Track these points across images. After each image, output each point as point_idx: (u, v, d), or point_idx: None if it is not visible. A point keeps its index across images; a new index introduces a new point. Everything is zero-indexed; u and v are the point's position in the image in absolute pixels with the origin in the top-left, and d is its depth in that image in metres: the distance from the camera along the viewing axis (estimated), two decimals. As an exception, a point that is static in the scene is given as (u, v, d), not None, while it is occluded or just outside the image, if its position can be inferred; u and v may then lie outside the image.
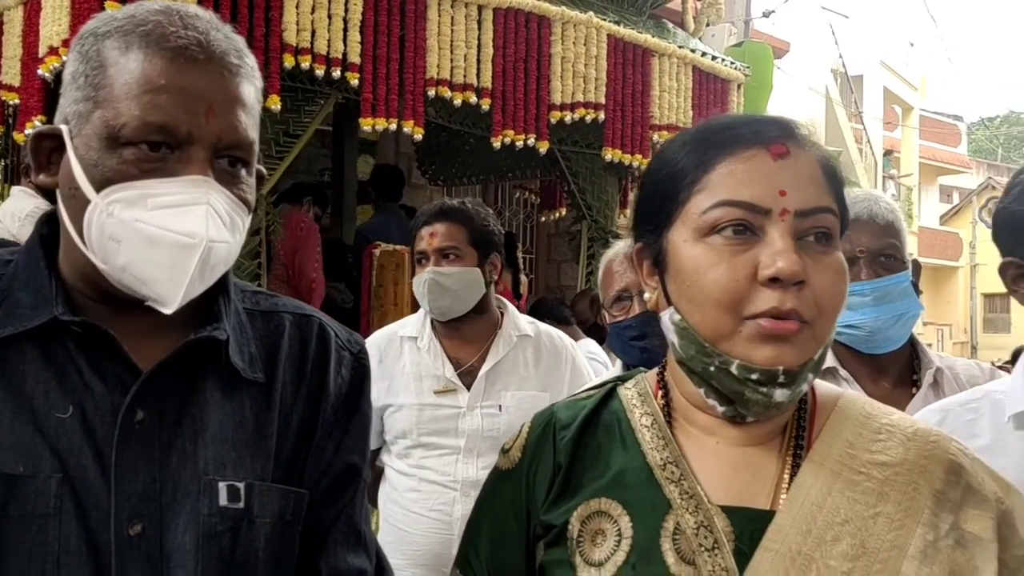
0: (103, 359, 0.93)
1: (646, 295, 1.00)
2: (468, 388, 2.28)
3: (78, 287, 0.96)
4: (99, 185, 0.89)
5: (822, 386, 0.98)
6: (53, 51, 3.18)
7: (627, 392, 1.01)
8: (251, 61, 0.97)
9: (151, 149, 0.89)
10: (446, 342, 2.33)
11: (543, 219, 6.91)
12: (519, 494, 0.99)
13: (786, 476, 0.90)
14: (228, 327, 0.99)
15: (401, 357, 2.31)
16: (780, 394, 0.85)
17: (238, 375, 0.99)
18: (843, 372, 1.66)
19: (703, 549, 0.86)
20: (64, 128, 0.93)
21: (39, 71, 3.27)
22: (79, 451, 0.89)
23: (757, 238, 0.85)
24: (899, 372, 1.69)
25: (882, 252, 1.61)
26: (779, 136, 0.89)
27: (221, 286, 1.01)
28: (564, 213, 6.22)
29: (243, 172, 0.96)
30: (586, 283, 5.14)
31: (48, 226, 0.99)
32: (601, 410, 1.01)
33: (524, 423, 1.05)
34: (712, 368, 0.87)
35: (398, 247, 4.60)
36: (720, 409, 0.89)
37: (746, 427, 0.92)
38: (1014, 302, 1.28)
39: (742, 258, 0.85)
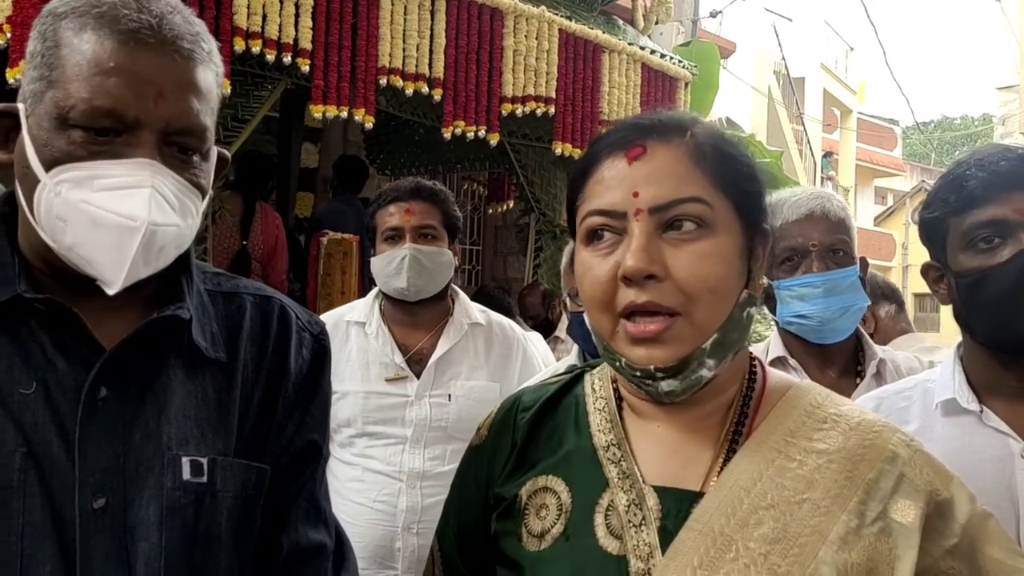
0: (66, 337, 0.94)
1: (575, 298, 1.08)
2: (417, 376, 2.21)
3: (38, 265, 0.96)
4: (48, 165, 0.90)
5: (776, 375, 1.03)
6: (-5, 27, 3.09)
7: (591, 378, 1.08)
8: (208, 46, 0.97)
9: (98, 133, 0.90)
10: (395, 328, 2.26)
11: (491, 211, 6.94)
12: (482, 468, 1.06)
13: (720, 460, 0.94)
14: (191, 306, 1.01)
15: (348, 343, 2.25)
16: (666, 385, 0.91)
17: (200, 354, 1.00)
18: (792, 361, 1.75)
19: (631, 525, 0.92)
20: (21, 107, 0.93)
21: (-21, 47, 3.17)
22: (43, 426, 0.90)
23: (622, 239, 0.91)
24: (844, 362, 1.77)
25: (833, 247, 1.69)
26: (636, 138, 0.93)
27: (184, 267, 1.02)
28: (511, 206, 6.27)
29: (195, 157, 0.96)
30: (533, 275, 5.19)
31: (8, 205, 0.99)
32: (564, 394, 1.07)
33: (497, 403, 1.12)
34: (615, 363, 0.94)
35: (346, 236, 4.58)
36: (642, 392, 0.95)
37: (681, 411, 0.96)
38: (944, 303, 1.37)
39: (608, 260, 0.91)
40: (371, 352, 2.24)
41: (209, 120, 0.96)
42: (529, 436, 1.03)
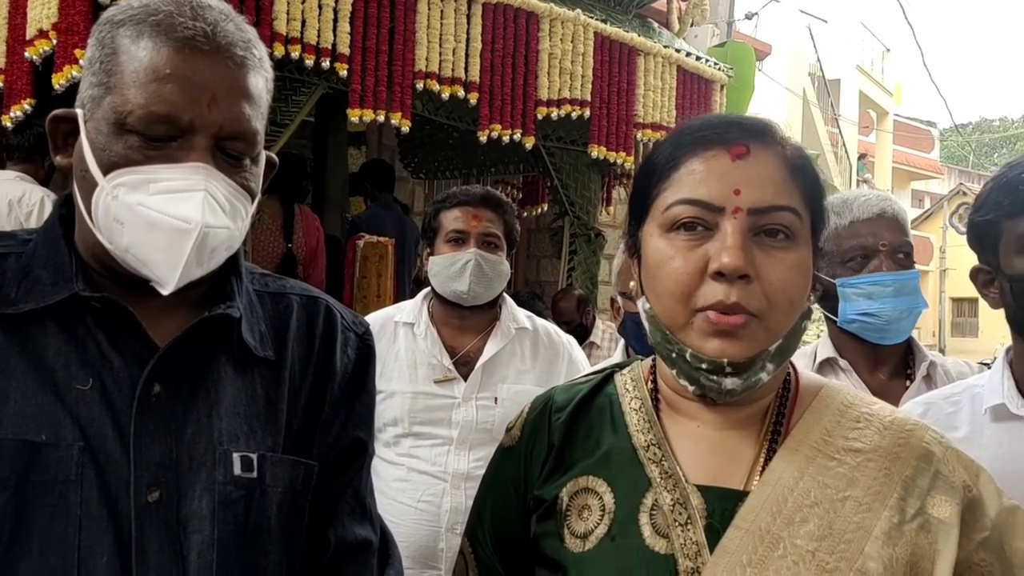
0: (121, 334, 0.96)
1: (631, 283, 1.06)
2: (464, 379, 2.22)
3: (94, 266, 0.99)
4: (106, 168, 0.92)
5: (807, 375, 1.04)
6: (42, 34, 3.16)
7: (622, 378, 1.08)
8: (259, 52, 1.00)
9: (154, 138, 0.92)
10: (443, 330, 2.28)
11: (524, 214, 6.94)
12: (518, 470, 1.06)
13: (762, 459, 0.95)
14: (240, 306, 1.03)
15: (396, 343, 2.26)
16: (730, 382, 0.91)
17: (250, 352, 1.02)
18: (842, 362, 1.74)
19: (677, 524, 0.92)
20: (79, 112, 0.96)
21: (26, 54, 3.25)
22: (99, 421, 0.92)
23: (712, 234, 0.91)
24: (895, 365, 1.76)
25: (901, 248, 1.70)
26: (740, 137, 0.93)
27: (233, 267, 1.04)
28: (546, 209, 6.27)
29: (246, 161, 0.98)
30: (568, 279, 5.19)
31: (66, 207, 1.02)
32: (596, 394, 1.07)
33: (526, 404, 1.11)
34: (673, 354, 0.93)
35: (382, 239, 4.62)
36: (691, 389, 0.95)
37: (724, 411, 0.97)
38: (982, 307, 1.36)
39: (696, 253, 0.91)
40: (419, 353, 2.25)
41: (259, 125, 0.99)
42: (566, 436, 1.04)
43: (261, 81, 0.99)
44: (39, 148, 3.76)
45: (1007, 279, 1.26)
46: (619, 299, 2.24)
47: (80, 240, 1.00)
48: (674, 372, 0.95)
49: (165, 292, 0.94)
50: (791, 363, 1.03)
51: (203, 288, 1.01)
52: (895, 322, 1.68)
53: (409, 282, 5.11)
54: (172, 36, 0.93)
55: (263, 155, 1.02)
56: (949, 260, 23.90)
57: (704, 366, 0.91)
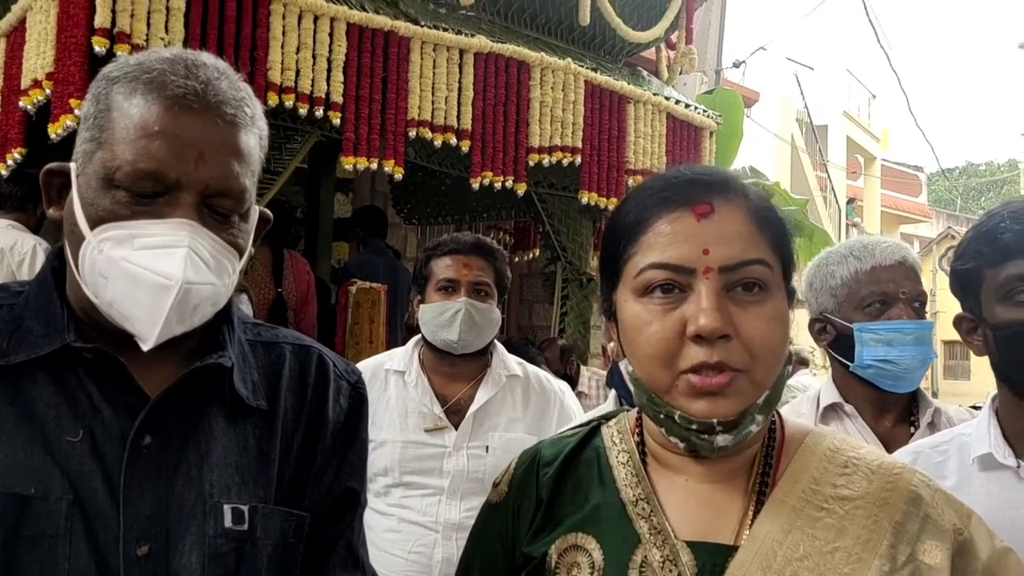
0: (112, 385, 0.96)
1: (611, 345, 1.05)
2: (455, 427, 2.20)
3: (84, 318, 0.99)
4: (94, 223, 0.93)
5: (792, 422, 1.04)
6: (37, 84, 3.18)
7: (609, 430, 1.07)
8: (252, 110, 1.00)
9: (141, 194, 0.93)
10: (434, 378, 2.26)
11: (516, 259, 6.97)
12: (506, 526, 1.05)
13: (750, 512, 0.94)
14: (232, 355, 1.03)
15: (386, 391, 2.24)
16: (722, 439, 0.90)
17: (242, 402, 1.02)
18: (847, 407, 1.74)
19: None
20: (72, 166, 0.97)
21: (20, 103, 3.27)
22: (89, 474, 0.92)
23: (686, 295, 0.91)
24: (900, 411, 1.76)
25: (918, 297, 1.71)
26: (703, 195, 0.94)
27: (225, 317, 1.04)
28: (538, 254, 6.29)
29: (234, 218, 0.98)
30: (560, 324, 5.19)
31: (58, 259, 1.02)
32: (584, 447, 1.07)
33: (512, 459, 1.11)
34: (662, 415, 0.93)
35: (374, 285, 4.62)
36: (681, 446, 0.94)
37: (711, 464, 0.96)
38: (973, 349, 1.37)
39: (672, 316, 0.91)
40: (410, 401, 2.23)
41: (249, 182, 0.99)
42: (554, 491, 1.03)
43: (252, 139, 1.00)
44: (31, 197, 3.79)
45: (990, 327, 1.27)
46: (609, 346, 2.24)
47: (71, 291, 1.00)
48: (663, 431, 0.95)
49: (145, 348, 0.94)
50: (776, 411, 1.03)
51: (195, 339, 1.01)
52: (912, 371, 1.69)
53: (401, 328, 5.11)
54: (163, 94, 0.94)
55: (254, 211, 1.03)
56: (940, 303, 23.98)
57: (694, 427, 0.91)
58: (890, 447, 1.57)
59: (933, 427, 1.71)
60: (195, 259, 0.93)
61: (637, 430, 1.04)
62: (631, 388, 0.98)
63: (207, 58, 0.99)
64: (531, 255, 6.49)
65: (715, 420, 0.89)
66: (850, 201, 22.13)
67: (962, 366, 26.80)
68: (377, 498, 2.21)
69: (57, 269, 1.02)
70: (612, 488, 1.00)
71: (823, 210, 17.57)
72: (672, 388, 0.91)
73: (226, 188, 0.96)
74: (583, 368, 4.86)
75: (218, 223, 0.96)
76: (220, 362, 1.00)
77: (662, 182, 0.98)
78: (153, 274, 0.91)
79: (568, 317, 5.17)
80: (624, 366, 0.98)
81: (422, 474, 2.18)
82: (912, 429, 1.73)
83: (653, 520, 0.95)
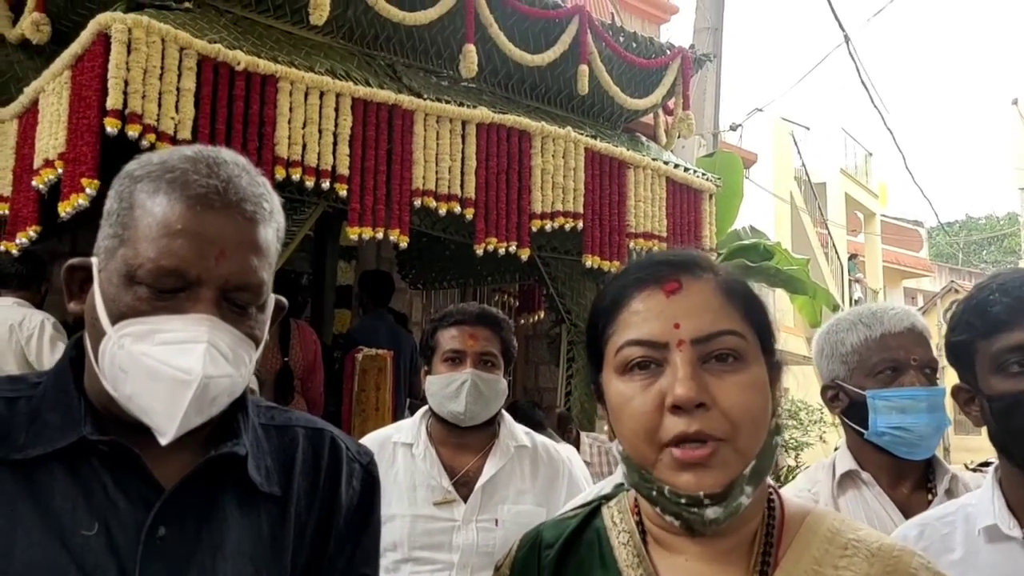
0: (128, 476, 0.97)
1: (605, 426, 1.07)
2: (464, 500, 2.19)
3: (102, 408, 1.00)
4: (115, 318, 0.95)
5: (792, 502, 1.04)
6: (48, 163, 3.25)
7: (609, 511, 1.07)
8: (271, 204, 1.03)
9: (162, 290, 0.95)
10: (442, 449, 2.25)
11: (522, 321, 6.99)
12: None
13: None
14: (247, 442, 1.03)
15: (394, 464, 2.23)
16: (712, 512, 0.91)
17: (255, 489, 1.03)
18: (864, 475, 1.72)
19: None
20: (94, 261, 0.99)
21: (33, 182, 3.33)
22: (104, 568, 0.92)
23: (663, 369, 0.93)
24: (917, 478, 1.75)
25: (929, 364, 1.71)
26: (670, 273, 0.97)
27: (240, 404, 1.05)
28: (543, 316, 6.31)
29: (252, 309, 1.00)
30: (567, 385, 5.18)
31: (76, 350, 1.04)
32: (585, 528, 1.07)
33: (515, 541, 1.11)
34: (653, 492, 0.94)
35: (380, 351, 4.62)
36: (676, 523, 0.94)
37: (710, 543, 0.96)
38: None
39: (651, 390, 0.93)
40: (418, 474, 2.21)
41: (267, 275, 1.01)
42: (556, 574, 1.03)
43: (271, 232, 1.02)
44: (35, 275, 3.86)
45: (986, 399, 1.27)
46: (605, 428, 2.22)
47: (89, 382, 1.01)
48: (658, 509, 0.95)
49: (164, 442, 0.95)
50: (775, 490, 1.03)
51: (210, 427, 1.02)
52: (927, 438, 1.68)
53: (405, 394, 5.09)
54: (186, 193, 0.96)
55: (271, 300, 1.05)
56: (944, 357, 23.84)
57: (683, 500, 0.91)
58: (908, 515, 1.55)
59: (951, 494, 1.69)
60: (214, 353, 0.94)
61: (636, 509, 1.04)
62: (623, 468, 0.99)
63: (227, 155, 1.02)
64: (536, 317, 6.51)
65: (702, 493, 0.90)
66: (852, 256, 22.21)
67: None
68: (387, 574, 2.16)
69: (75, 359, 1.03)
70: (614, 569, 1.00)
71: (825, 267, 17.62)
72: (657, 463, 0.92)
73: (245, 283, 0.98)
74: (583, 436, 4.84)
75: (236, 316, 0.98)
76: (235, 450, 1.01)
77: (636, 266, 1.02)
78: (173, 369, 0.93)
79: (574, 379, 5.16)
80: (615, 446, 1.00)
81: (432, 549, 2.15)
82: (930, 496, 1.72)
83: None
